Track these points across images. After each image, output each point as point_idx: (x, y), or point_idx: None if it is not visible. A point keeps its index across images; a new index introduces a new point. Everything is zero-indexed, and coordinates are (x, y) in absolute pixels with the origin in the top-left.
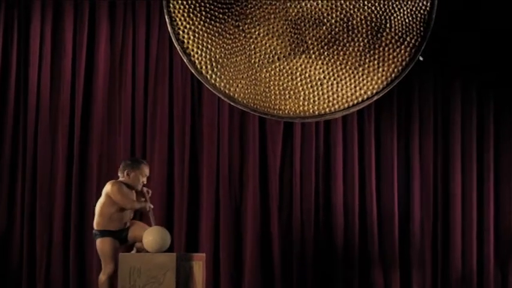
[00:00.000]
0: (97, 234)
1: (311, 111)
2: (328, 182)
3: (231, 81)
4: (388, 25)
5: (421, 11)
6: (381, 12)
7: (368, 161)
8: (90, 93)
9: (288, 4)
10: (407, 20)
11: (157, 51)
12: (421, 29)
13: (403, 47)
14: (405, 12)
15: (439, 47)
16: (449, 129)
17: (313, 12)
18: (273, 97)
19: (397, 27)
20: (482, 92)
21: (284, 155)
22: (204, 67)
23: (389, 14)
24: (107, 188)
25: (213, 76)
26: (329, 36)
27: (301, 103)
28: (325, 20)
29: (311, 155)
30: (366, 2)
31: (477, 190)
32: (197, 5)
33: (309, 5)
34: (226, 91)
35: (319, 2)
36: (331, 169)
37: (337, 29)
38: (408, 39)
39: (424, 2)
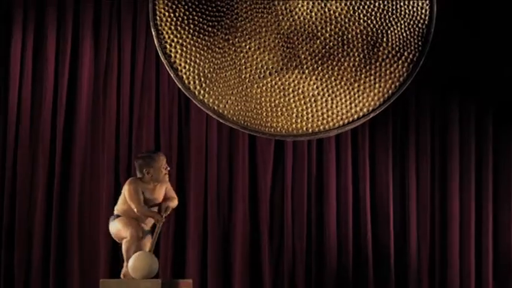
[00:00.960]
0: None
1: (304, 129)
2: (320, 204)
3: (220, 97)
4: (384, 39)
5: (419, 25)
6: (377, 26)
7: (362, 182)
8: (73, 109)
9: (280, 17)
10: (404, 34)
11: (143, 66)
12: (419, 43)
13: (400, 62)
14: (402, 26)
15: (436, 63)
16: (447, 148)
17: (306, 26)
18: (264, 114)
19: (394, 42)
20: (481, 110)
21: (275, 176)
22: (191, 82)
23: (386, 27)
24: (125, 185)
25: (201, 92)
26: (323, 50)
27: (294, 120)
28: (319, 34)
29: (303, 175)
30: (361, 16)
31: (475, 210)
32: (185, 17)
33: (302, 18)
34: (215, 107)
35: (313, 15)
36: (323, 191)
37: (331, 43)
38: (406, 54)
39: (423, 16)
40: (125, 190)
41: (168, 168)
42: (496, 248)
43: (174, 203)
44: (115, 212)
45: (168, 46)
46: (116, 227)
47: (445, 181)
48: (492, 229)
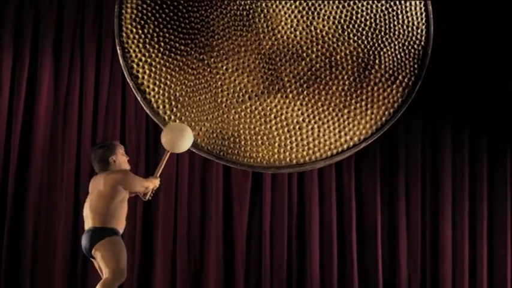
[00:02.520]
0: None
1: (288, 160)
2: (302, 243)
3: (193, 124)
4: (377, 61)
5: (415, 46)
6: (368, 47)
7: (348, 217)
8: (29, 140)
9: (261, 36)
10: (399, 56)
11: (108, 89)
12: (415, 66)
13: (394, 86)
14: (396, 47)
15: (427, 86)
16: (438, 178)
17: (290, 46)
18: (242, 143)
19: (387, 64)
20: (475, 137)
21: (252, 213)
22: (161, 107)
23: (379, 48)
24: (111, 177)
25: (172, 117)
26: (309, 73)
27: (276, 150)
28: (304, 55)
29: (283, 212)
30: (351, 35)
31: (469, 242)
32: (155, 34)
33: (285, 37)
34: None
35: (297, 34)
36: (306, 229)
37: (318, 65)
38: (400, 77)
39: (418, 37)
40: (119, 182)
41: (128, 158)
42: (491, 280)
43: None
44: (93, 225)
45: (135, 66)
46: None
47: (436, 212)
48: (487, 260)
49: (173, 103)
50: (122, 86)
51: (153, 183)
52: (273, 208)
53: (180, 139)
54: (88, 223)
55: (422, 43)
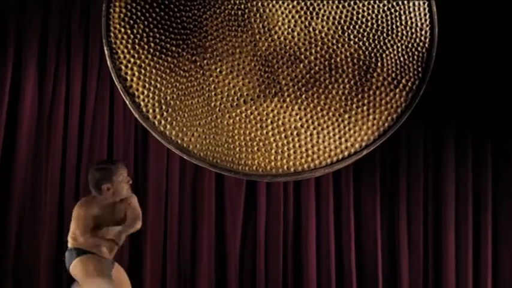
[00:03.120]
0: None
1: (285, 167)
2: (298, 257)
3: (184, 129)
4: (379, 64)
5: (419, 48)
6: (370, 49)
7: (346, 229)
8: (11, 149)
9: (257, 37)
10: (402, 59)
11: (96, 92)
12: (419, 69)
13: (397, 90)
14: (399, 49)
15: (430, 94)
16: (441, 187)
17: (287, 47)
18: (237, 149)
19: (390, 67)
20: (478, 147)
21: (246, 224)
22: (150, 111)
23: (381, 51)
24: (75, 207)
25: (162, 122)
26: (307, 76)
27: (272, 157)
28: (302, 57)
29: (278, 223)
30: (352, 36)
31: (473, 256)
32: (144, 34)
33: (282, 39)
34: (179, 141)
35: (295, 34)
36: (302, 240)
37: (317, 68)
38: (404, 81)
39: (422, 39)
40: (74, 212)
41: (131, 182)
42: None
43: (136, 225)
44: (71, 246)
45: (123, 68)
46: (77, 269)
47: (439, 222)
48: (491, 275)
49: (163, 107)
50: (110, 90)
51: (93, 243)
52: (268, 219)
53: None
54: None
55: (427, 45)
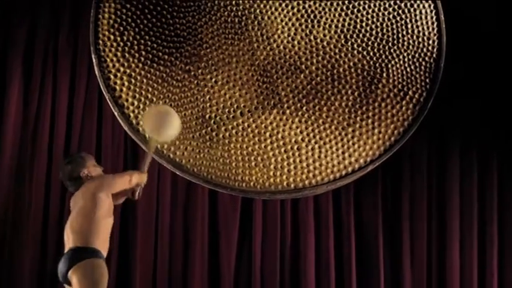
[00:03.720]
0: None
1: (285, 184)
2: (296, 279)
3: (177, 143)
4: (384, 75)
5: (426, 59)
6: (375, 59)
7: (347, 250)
8: None
9: (255, 45)
10: (408, 69)
11: (83, 105)
12: (427, 80)
13: (404, 102)
14: (406, 60)
15: (435, 107)
16: (445, 203)
17: (287, 56)
18: (233, 164)
19: (396, 78)
20: (484, 161)
21: (241, 245)
22: (141, 123)
23: (386, 61)
24: (88, 187)
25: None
26: (308, 87)
27: (271, 173)
28: (303, 67)
29: (275, 243)
30: (355, 46)
31: (478, 270)
32: (135, 42)
33: (282, 47)
34: (171, 155)
35: (295, 43)
36: (300, 262)
37: (318, 78)
38: (411, 93)
39: (430, 48)
40: (97, 188)
41: (102, 168)
42: None
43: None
44: (73, 245)
45: (112, 77)
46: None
47: (443, 241)
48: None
49: None
50: (98, 102)
51: (140, 177)
52: (264, 237)
53: (166, 123)
54: (67, 246)
55: (434, 55)
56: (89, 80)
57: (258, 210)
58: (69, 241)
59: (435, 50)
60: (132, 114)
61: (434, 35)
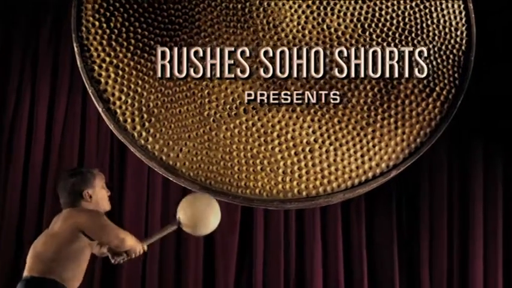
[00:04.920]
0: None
1: (296, 191)
2: None
3: (170, 143)
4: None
5: (454, 51)
6: (396, 51)
7: (358, 270)
8: None
9: (261, 34)
10: (434, 63)
11: (66, 104)
12: (456, 75)
13: (430, 100)
14: (431, 52)
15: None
16: (468, 211)
17: (297, 47)
18: (236, 168)
19: (420, 72)
20: (510, 162)
21: (240, 267)
22: (129, 120)
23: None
24: (73, 216)
25: (143, 134)
26: (321, 81)
27: (280, 179)
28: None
29: (279, 265)
30: (374, 36)
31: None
32: (123, 29)
33: (290, 37)
34: (163, 157)
35: (306, 33)
36: (307, 283)
37: (333, 72)
38: (438, 89)
39: (458, 40)
40: (83, 223)
41: (109, 193)
42: None
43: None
44: (30, 274)
45: (96, 68)
46: None
47: (466, 261)
48: None
49: (145, 116)
50: (82, 95)
51: (136, 246)
52: (266, 259)
53: (207, 216)
54: (26, 271)
55: (463, 47)
56: (72, 80)
57: (259, 216)
58: (27, 266)
59: (464, 41)
60: (118, 111)
61: (463, 25)
